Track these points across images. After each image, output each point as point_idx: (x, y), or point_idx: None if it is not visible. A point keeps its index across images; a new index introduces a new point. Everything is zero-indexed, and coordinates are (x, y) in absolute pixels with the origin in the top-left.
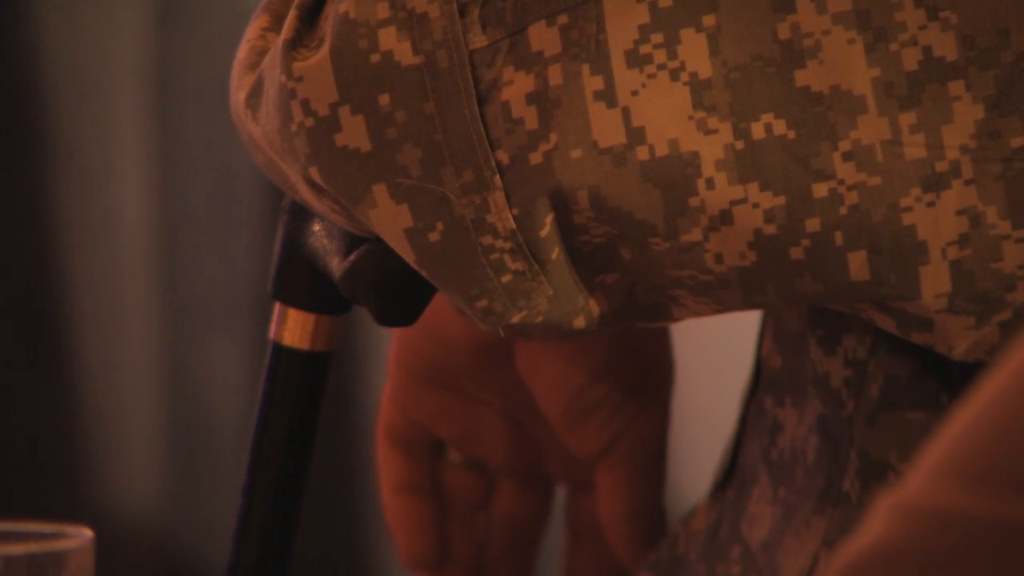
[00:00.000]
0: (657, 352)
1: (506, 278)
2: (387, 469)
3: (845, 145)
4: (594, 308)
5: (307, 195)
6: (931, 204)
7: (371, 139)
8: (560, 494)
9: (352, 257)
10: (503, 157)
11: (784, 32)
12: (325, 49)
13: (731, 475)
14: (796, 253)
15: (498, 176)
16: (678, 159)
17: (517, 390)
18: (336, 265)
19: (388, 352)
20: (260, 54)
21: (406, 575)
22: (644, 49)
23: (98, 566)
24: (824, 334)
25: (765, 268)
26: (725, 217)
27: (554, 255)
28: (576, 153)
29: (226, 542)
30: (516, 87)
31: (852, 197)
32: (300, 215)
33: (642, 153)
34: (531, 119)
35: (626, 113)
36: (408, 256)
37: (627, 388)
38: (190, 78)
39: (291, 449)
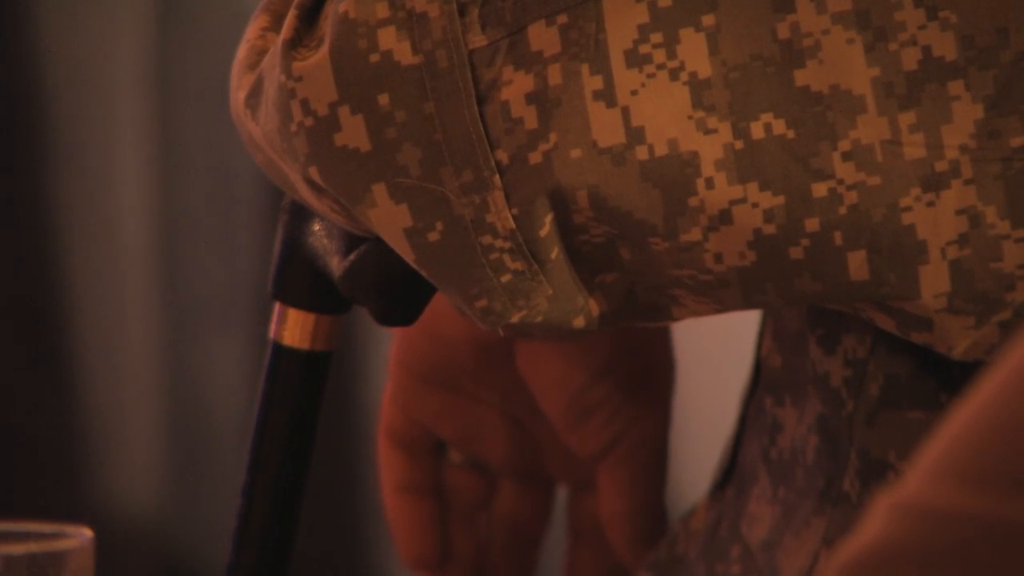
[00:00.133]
0: (658, 352)
1: (505, 278)
2: (388, 469)
3: (844, 145)
4: (594, 308)
5: (307, 195)
6: (931, 204)
7: (370, 139)
8: (561, 494)
9: (352, 257)
10: (502, 157)
11: (783, 32)
12: (324, 49)
13: (730, 474)
14: (795, 253)
15: (497, 176)
16: (677, 159)
17: (518, 390)
18: (336, 265)
19: (388, 352)
20: (260, 54)
21: (407, 575)
22: (643, 49)
23: (98, 566)
24: (824, 333)
25: (764, 268)
26: (724, 217)
27: (553, 255)
28: (575, 153)
29: (226, 542)
30: (515, 87)
31: (851, 197)
32: (300, 215)
33: (641, 153)
34: (530, 119)
35: (625, 113)
36: (407, 256)
37: (628, 388)
38: (190, 78)
39: (291, 449)
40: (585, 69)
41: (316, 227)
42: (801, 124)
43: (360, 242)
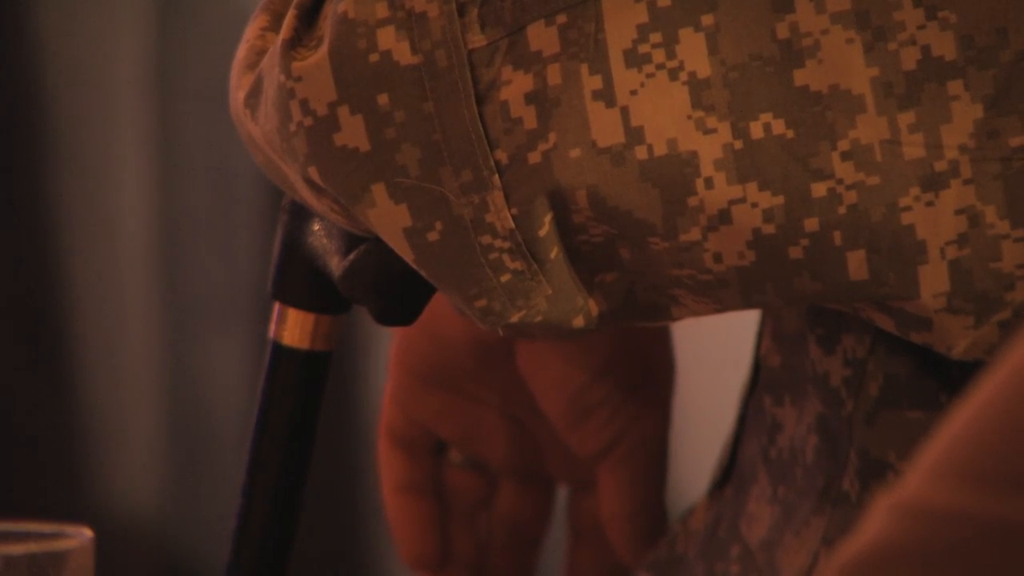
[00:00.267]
0: (658, 352)
1: (505, 277)
2: (388, 469)
3: (844, 144)
4: (593, 307)
5: (306, 195)
6: (930, 204)
7: (370, 139)
8: (561, 494)
9: (351, 256)
10: (502, 157)
11: (783, 31)
12: (324, 49)
13: (730, 474)
14: (795, 252)
15: (497, 176)
16: (677, 158)
17: (518, 390)
18: (335, 264)
19: (388, 352)
20: (259, 54)
21: (407, 575)
22: (643, 48)
23: (98, 566)
24: (823, 333)
25: (764, 267)
26: (724, 216)
27: (553, 254)
28: (575, 153)
29: (226, 542)
30: (515, 87)
31: (851, 196)
32: (300, 215)
33: (641, 152)
34: (530, 119)
35: (625, 112)
36: (407, 255)
37: (628, 388)
38: (190, 78)
39: (291, 449)
40: (584, 69)
41: (316, 227)
42: (800, 124)
43: (360, 242)
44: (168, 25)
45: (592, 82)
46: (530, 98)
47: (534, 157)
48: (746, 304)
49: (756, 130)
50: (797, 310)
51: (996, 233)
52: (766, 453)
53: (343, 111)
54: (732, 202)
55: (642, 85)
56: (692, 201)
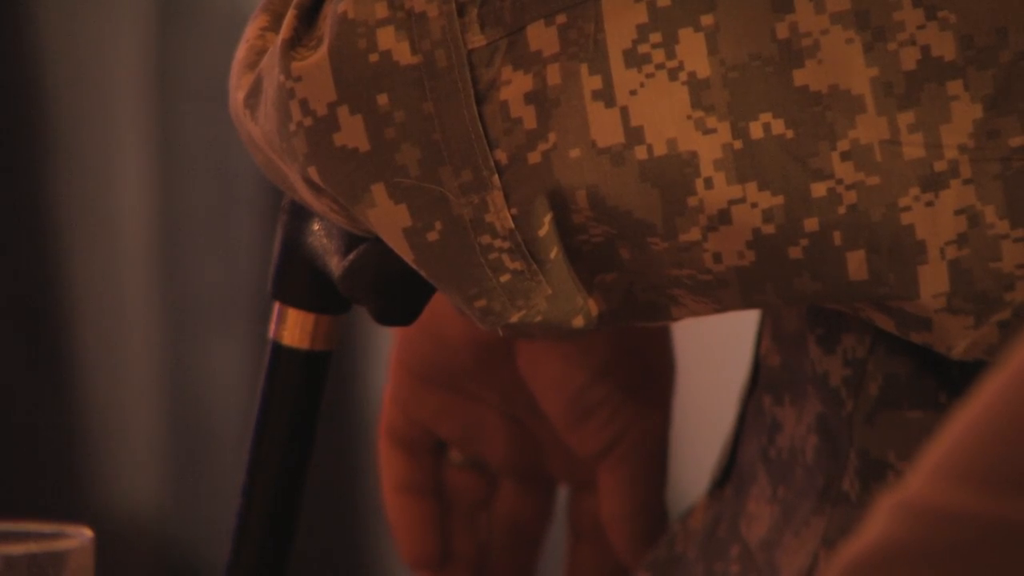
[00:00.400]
0: (658, 352)
1: (505, 277)
2: (389, 469)
3: (844, 144)
4: (593, 307)
5: (306, 194)
6: (930, 204)
7: (370, 139)
8: (562, 494)
9: (351, 256)
10: (501, 157)
11: (782, 31)
12: (324, 49)
13: (729, 474)
14: (795, 252)
15: (496, 176)
16: (676, 158)
17: (518, 390)
18: (335, 264)
19: (388, 352)
20: (259, 54)
21: (407, 575)
22: (642, 48)
23: (98, 566)
24: (823, 333)
25: (764, 268)
26: (723, 216)
27: (553, 254)
28: (574, 153)
29: (226, 542)
30: (514, 87)
31: (851, 196)
32: (299, 215)
33: (640, 152)
34: (529, 119)
35: (624, 112)
36: (407, 255)
37: (628, 388)
38: (190, 78)
39: (291, 449)
40: (584, 69)
41: (316, 227)
42: (800, 124)
43: (359, 242)
44: (168, 25)
45: (592, 82)
46: (530, 98)
47: (534, 157)
48: (746, 304)
49: (756, 130)
50: (797, 310)
51: (996, 233)
52: (766, 453)
53: (343, 111)
54: (732, 202)
55: (642, 85)
56: (692, 201)
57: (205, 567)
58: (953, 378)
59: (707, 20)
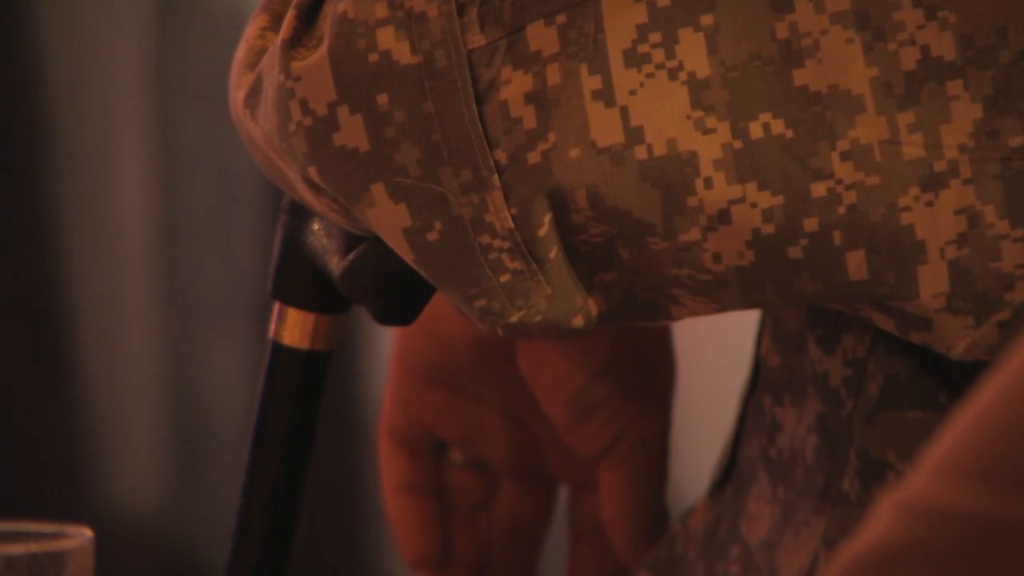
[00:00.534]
0: (658, 351)
1: (504, 277)
2: (389, 469)
3: (843, 144)
4: (593, 307)
5: (306, 194)
6: (929, 204)
7: (369, 138)
8: (562, 494)
9: (351, 256)
10: (501, 156)
11: (782, 31)
12: (323, 49)
13: (730, 474)
14: (794, 252)
15: (496, 175)
16: (676, 158)
17: (518, 390)
18: (335, 264)
19: (388, 352)
20: (259, 54)
21: (407, 575)
22: (642, 48)
23: (98, 566)
24: (823, 333)
25: (763, 267)
26: (723, 216)
27: (552, 254)
28: (574, 152)
29: (226, 542)
30: (514, 86)
31: (850, 196)
32: (299, 214)
33: (640, 152)
34: (529, 118)
35: (624, 112)
36: (406, 255)
37: (628, 387)
38: (190, 78)
39: (291, 449)
40: (584, 69)
41: (316, 227)
42: (800, 124)
43: (359, 241)
44: (168, 25)
45: (591, 82)
46: (529, 98)
47: (533, 157)
48: (746, 304)
49: (755, 130)
50: (797, 310)
51: (995, 233)
52: (766, 453)
53: (342, 111)
54: (731, 202)
55: (641, 85)
56: (691, 201)
57: (205, 567)
58: (953, 378)
59: (707, 20)
